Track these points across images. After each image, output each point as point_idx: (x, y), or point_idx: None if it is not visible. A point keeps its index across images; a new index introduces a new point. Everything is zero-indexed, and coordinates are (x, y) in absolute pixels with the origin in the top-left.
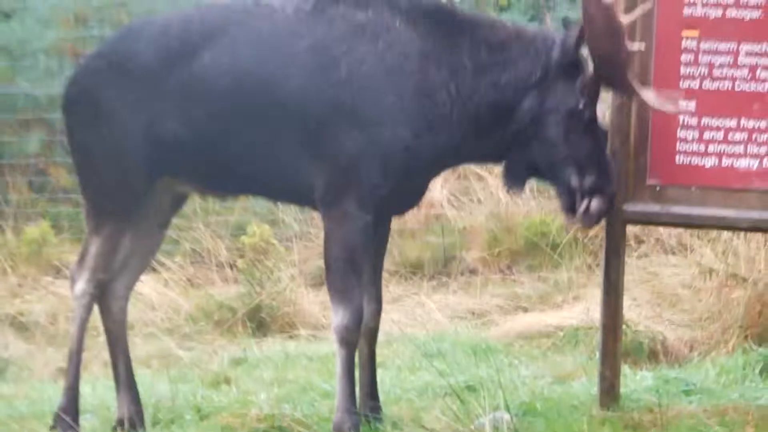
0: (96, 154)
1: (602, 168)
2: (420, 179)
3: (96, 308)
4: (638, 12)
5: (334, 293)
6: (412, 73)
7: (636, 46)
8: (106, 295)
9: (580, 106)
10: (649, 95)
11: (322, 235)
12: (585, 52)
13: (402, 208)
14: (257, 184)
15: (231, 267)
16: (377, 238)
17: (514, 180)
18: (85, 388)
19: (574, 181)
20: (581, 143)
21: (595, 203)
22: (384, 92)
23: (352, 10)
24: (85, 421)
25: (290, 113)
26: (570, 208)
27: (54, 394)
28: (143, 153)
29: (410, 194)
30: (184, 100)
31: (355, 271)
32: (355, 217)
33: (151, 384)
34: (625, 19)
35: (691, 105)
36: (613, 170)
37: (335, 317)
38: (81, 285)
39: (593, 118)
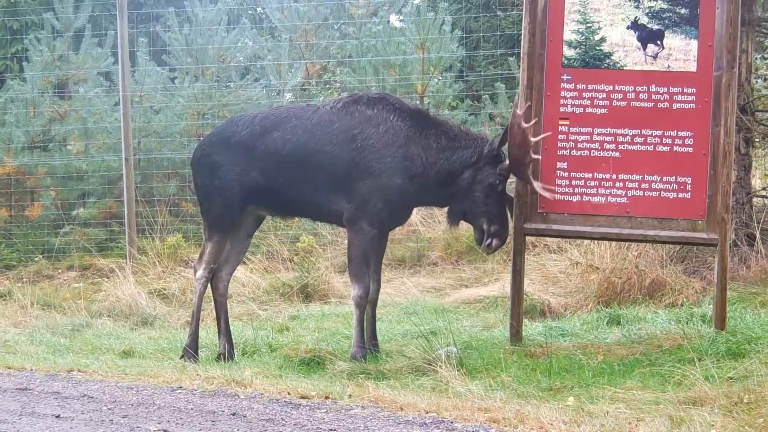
0: (211, 193)
1: (503, 221)
2: (406, 209)
3: (209, 287)
4: (541, 137)
5: (353, 276)
6: (401, 147)
7: (535, 157)
8: (215, 278)
9: (497, 182)
10: (537, 185)
11: (346, 241)
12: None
13: (396, 225)
14: (306, 211)
15: (290, 261)
16: (381, 244)
17: (453, 220)
18: (201, 334)
19: (485, 226)
20: (493, 205)
21: (495, 242)
22: (383, 156)
23: (364, 108)
24: (202, 353)
25: (327, 168)
26: (479, 242)
27: (182, 337)
28: (237, 192)
29: (400, 217)
30: (262, 161)
31: (366, 263)
32: (367, 231)
33: (242, 331)
34: (533, 138)
35: (564, 165)
36: (508, 224)
37: (353, 291)
38: (200, 272)
39: (503, 190)
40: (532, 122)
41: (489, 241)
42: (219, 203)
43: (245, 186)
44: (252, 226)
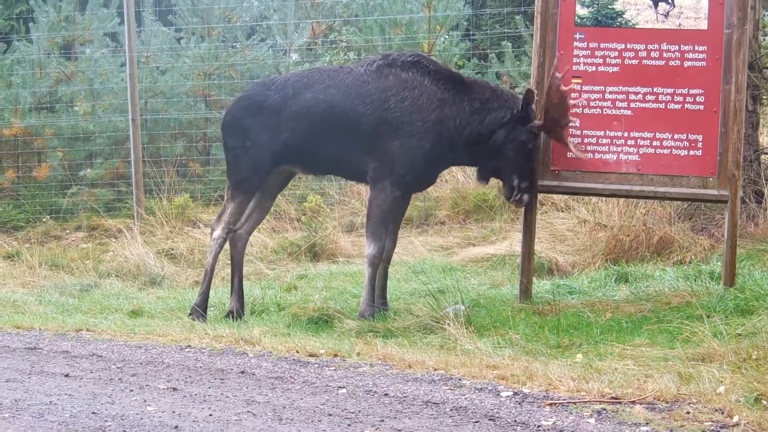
0: (240, 155)
1: (533, 177)
2: (433, 172)
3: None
4: (572, 85)
5: (370, 234)
6: (434, 110)
7: (573, 120)
8: (235, 237)
9: (528, 141)
10: (572, 146)
11: (353, 201)
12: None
13: (421, 188)
14: (339, 169)
15: (298, 221)
16: (403, 206)
17: (483, 176)
18: (210, 293)
19: (516, 182)
20: (524, 162)
21: (526, 196)
22: (415, 120)
23: (399, 71)
24: (210, 312)
25: (359, 128)
26: (509, 197)
27: (191, 297)
28: (268, 155)
29: (427, 180)
30: (294, 121)
31: (385, 223)
32: (390, 191)
33: (250, 290)
34: (572, 101)
35: (576, 123)
36: (536, 179)
37: (368, 248)
38: (218, 232)
39: (534, 148)
40: (571, 85)
41: (519, 195)
42: (247, 165)
43: (276, 148)
44: (279, 185)
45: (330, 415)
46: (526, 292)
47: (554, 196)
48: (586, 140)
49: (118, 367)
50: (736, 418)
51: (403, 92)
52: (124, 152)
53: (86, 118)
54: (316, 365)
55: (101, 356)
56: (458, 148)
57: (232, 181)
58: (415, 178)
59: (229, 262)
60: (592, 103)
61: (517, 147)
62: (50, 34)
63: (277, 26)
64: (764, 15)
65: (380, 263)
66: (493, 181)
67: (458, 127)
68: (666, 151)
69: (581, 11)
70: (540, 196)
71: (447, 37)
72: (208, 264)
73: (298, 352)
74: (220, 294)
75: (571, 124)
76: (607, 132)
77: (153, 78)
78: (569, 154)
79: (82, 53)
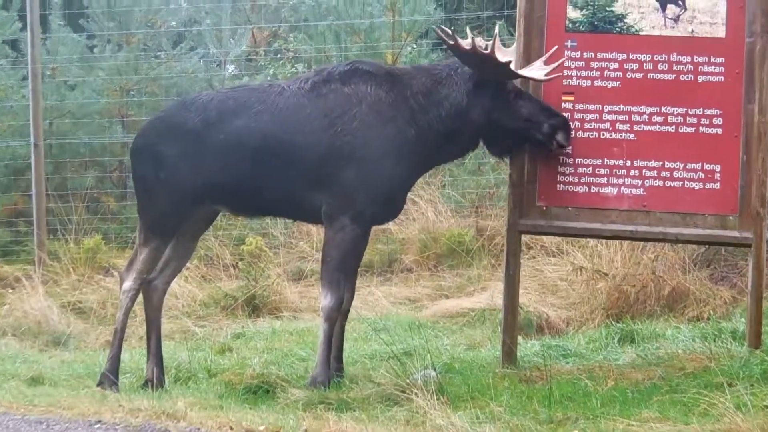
0: (154, 187)
1: (545, 112)
2: (400, 196)
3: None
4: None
5: (327, 282)
6: (388, 122)
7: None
8: (149, 289)
9: (502, 93)
10: (531, 71)
11: (300, 244)
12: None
13: (386, 219)
14: (279, 209)
15: (234, 267)
16: (362, 246)
17: (499, 154)
18: (124, 356)
19: (538, 135)
20: (522, 110)
21: (560, 136)
22: (370, 139)
23: (339, 85)
24: (125, 379)
25: (301, 160)
26: (550, 147)
27: (101, 360)
28: (189, 189)
29: (393, 208)
30: (221, 153)
31: (344, 268)
32: (349, 229)
33: (174, 352)
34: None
35: (568, 149)
36: (554, 109)
37: (324, 300)
38: (128, 283)
39: (517, 90)
40: (493, 41)
41: (555, 143)
42: (163, 201)
43: (200, 182)
44: (201, 226)
45: None
46: (509, 354)
47: (543, 237)
48: (579, 170)
49: None
50: None
51: (348, 111)
52: (24, 184)
53: None
54: None
55: None
56: (429, 152)
57: (145, 220)
58: (380, 209)
59: (145, 317)
60: (587, 125)
61: (503, 107)
62: None
63: (209, 33)
64: None
65: (338, 317)
66: (466, 220)
67: (419, 131)
68: (677, 184)
69: (573, 14)
70: (527, 239)
71: (415, 45)
72: (118, 321)
73: (231, 428)
74: (138, 357)
75: (505, 62)
76: (606, 160)
77: (60, 94)
78: (557, 186)
79: None
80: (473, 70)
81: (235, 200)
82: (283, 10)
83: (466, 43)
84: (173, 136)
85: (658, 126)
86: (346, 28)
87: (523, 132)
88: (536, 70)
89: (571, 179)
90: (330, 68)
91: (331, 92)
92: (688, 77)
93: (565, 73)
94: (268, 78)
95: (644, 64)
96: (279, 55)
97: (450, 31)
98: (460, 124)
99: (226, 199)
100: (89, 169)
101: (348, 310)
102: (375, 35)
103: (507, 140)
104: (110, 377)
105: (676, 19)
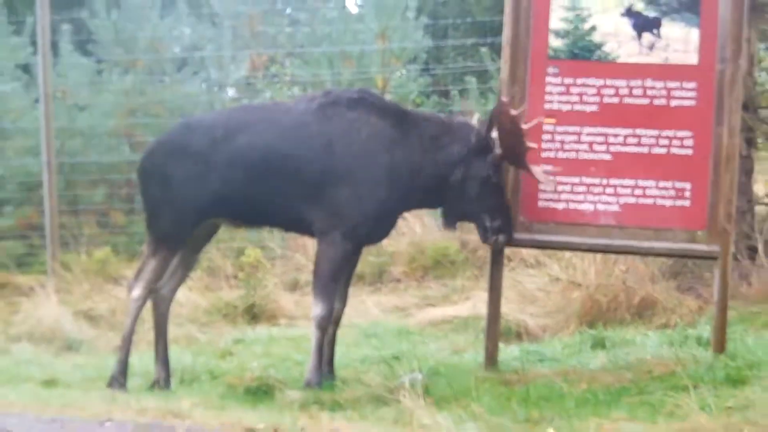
0: (162, 204)
1: (505, 214)
2: (389, 220)
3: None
4: (533, 123)
5: (318, 293)
6: (384, 152)
7: (531, 145)
8: (157, 297)
9: (490, 174)
10: (537, 172)
11: (296, 256)
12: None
13: (375, 240)
14: (276, 221)
15: (234, 278)
16: (354, 260)
17: (449, 222)
18: (133, 359)
19: (488, 222)
20: (491, 198)
21: (502, 237)
22: (366, 165)
23: (345, 110)
24: (134, 381)
25: (299, 175)
26: (484, 240)
27: (112, 364)
28: (194, 207)
29: (381, 231)
30: (226, 169)
31: (335, 280)
32: (341, 244)
33: (179, 356)
34: (525, 127)
35: (549, 168)
36: (511, 216)
37: (315, 309)
38: (137, 292)
39: (498, 181)
40: (521, 109)
41: (494, 237)
42: (170, 218)
43: (204, 199)
44: (204, 238)
45: None
46: (491, 359)
47: (523, 250)
48: (559, 188)
49: None
50: None
51: (349, 135)
52: (38, 200)
53: None
54: None
55: None
56: (416, 193)
57: (153, 234)
58: (370, 230)
59: (153, 323)
60: (566, 146)
61: (480, 184)
62: None
63: (211, 58)
64: (760, 48)
65: (329, 326)
66: (451, 234)
67: (412, 172)
68: (649, 201)
69: (555, 42)
70: (508, 251)
71: (403, 71)
72: (126, 328)
73: (233, 427)
74: (146, 361)
75: (530, 149)
76: (584, 179)
77: (70, 116)
78: (539, 202)
79: None
80: (497, 132)
81: (238, 213)
82: (280, 37)
83: (514, 110)
84: (178, 156)
85: (632, 147)
86: (339, 54)
87: (479, 214)
88: (540, 173)
89: (551, 196)
90: (339, 92)
91: (336, 115)
92: (661, 102)
93: (547, 97)
94: (266, 100)
95: (620, 89)
96: (276, 79)
97: (510, 99)
98: (443, 179)
99: (230, 212)
100: (99, 185)
101: (340, 317)
102: (366, 61)
103: (461, 214)
104: (119, 379)
105: (651, 48)
